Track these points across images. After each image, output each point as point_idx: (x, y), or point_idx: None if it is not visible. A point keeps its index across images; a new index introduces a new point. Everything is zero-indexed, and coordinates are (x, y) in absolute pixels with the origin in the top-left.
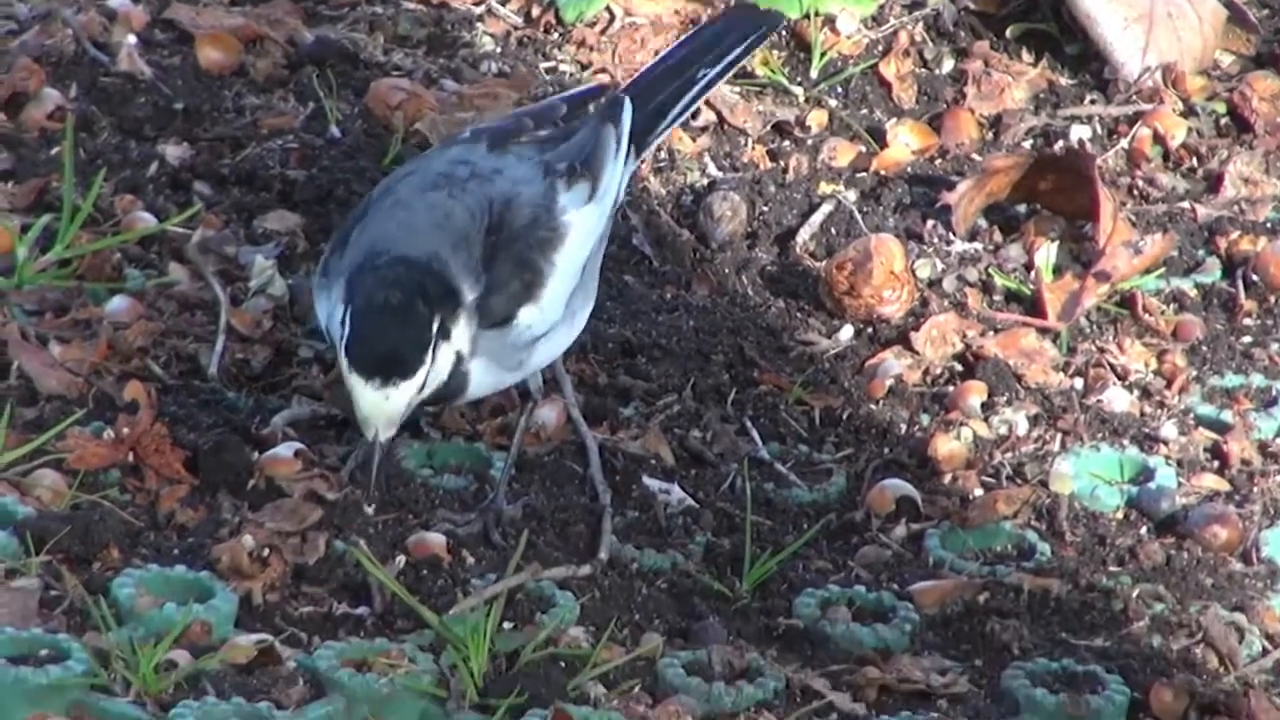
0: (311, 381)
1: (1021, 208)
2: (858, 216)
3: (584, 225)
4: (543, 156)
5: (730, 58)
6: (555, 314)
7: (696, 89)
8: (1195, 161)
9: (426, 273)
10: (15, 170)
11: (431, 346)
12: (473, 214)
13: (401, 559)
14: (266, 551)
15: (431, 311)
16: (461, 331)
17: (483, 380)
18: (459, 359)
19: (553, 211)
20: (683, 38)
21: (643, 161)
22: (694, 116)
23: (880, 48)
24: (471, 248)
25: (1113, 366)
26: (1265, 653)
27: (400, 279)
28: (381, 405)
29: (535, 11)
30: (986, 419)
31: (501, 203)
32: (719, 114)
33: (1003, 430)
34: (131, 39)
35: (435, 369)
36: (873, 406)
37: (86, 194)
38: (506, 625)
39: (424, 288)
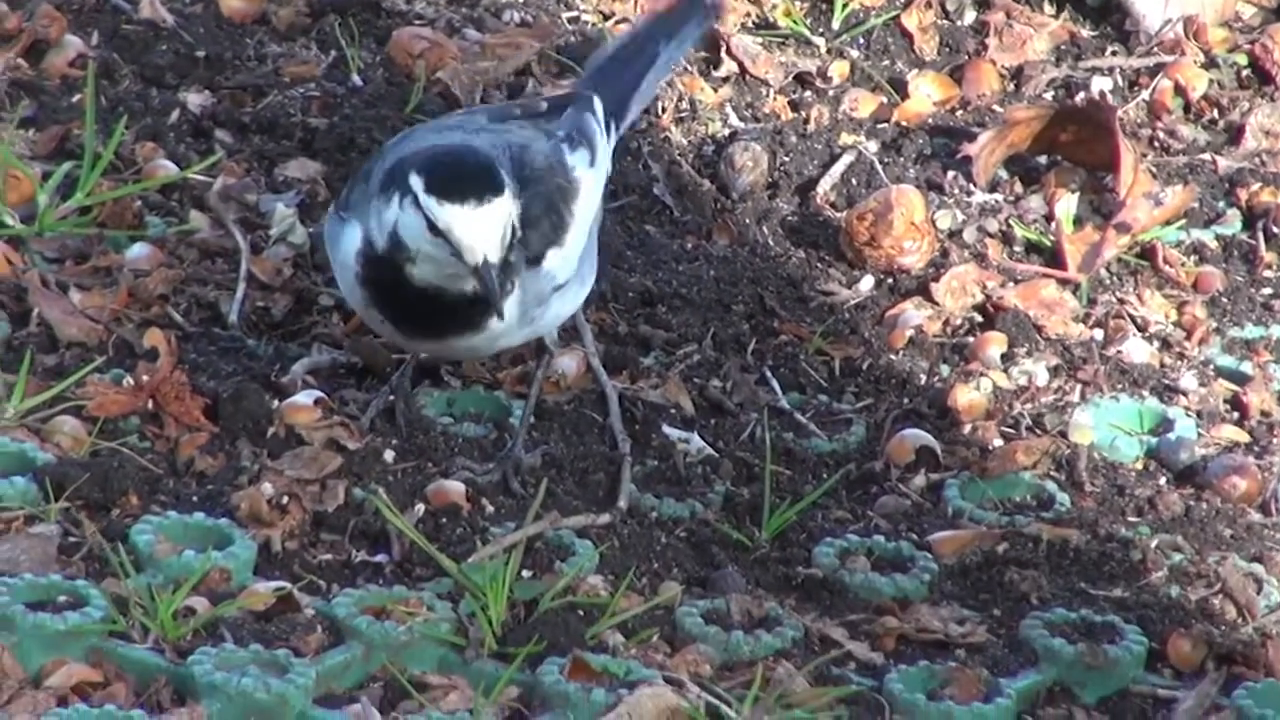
0: (332, 329)
1: (1042, 159)
2: (878, 167)
3: (590, 185)
4: (541, 127)
5: (683, 37)
6: (573, 267)
7: (659, 61)
8: (1216, 113)
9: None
10: (36, 117)
11: (510, 183)
12: (495, 147)
13: (420, 507)
14: (285, 499)
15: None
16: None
17: (511, 317)
18: (512, 235)
19: (566, 165)
20: (635, 24)
21: (620, 139)
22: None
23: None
24: (512, 160)
25: (1132, 318)
26: None
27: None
28: (482, 224)
29: None
30: (1006, 370)
31: (518, 148)
32: (740, 64)
33: (1022, 381)
34: None
35: (511, 209)
36: (892, 357)
37: (107, 142)
38: (525, 573)
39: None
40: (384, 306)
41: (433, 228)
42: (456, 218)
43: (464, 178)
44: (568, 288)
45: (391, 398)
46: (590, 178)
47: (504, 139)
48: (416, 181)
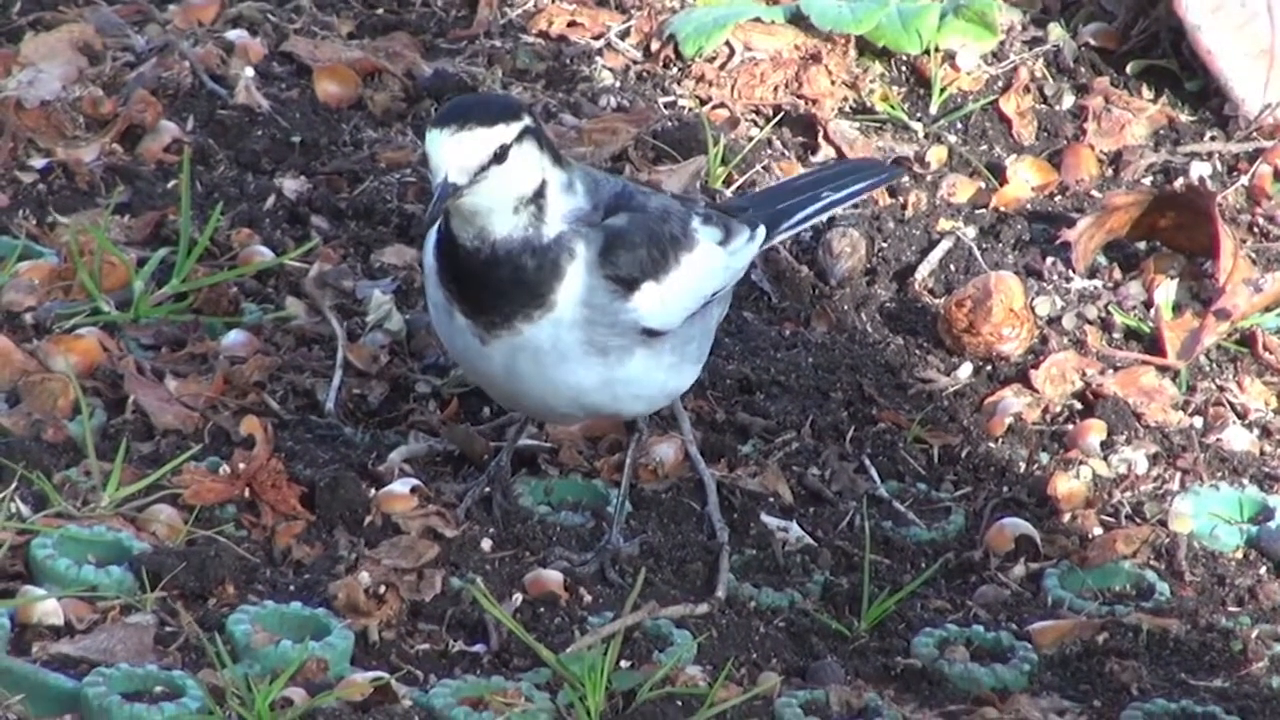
0: (428, 417)
1: (1141, 245)
2: (977, 253)
3: (712, 256)
4: (682, 199)
5: (852, 190)
6: (672, 319)
7: (819, 205)
8: None
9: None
10: (132, 203)
11: (516, 132)
12: (604, 178)
13: (518, 596)
14: (383, 588)
15: (525, 114)
16: (552, 181)
17: (566, 314)
18: (541, 191)
19: (687, 222)
20: (811, 169)
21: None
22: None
23: (1000, 83)
24: (594, 178)
25: (1232, 405)
26: None
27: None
28: (453, 147)
29: (654, 46)
30: (1106, 458)
31: (634, 190)
32: (838, 149)
33: (1122, 469)
34: (249, 71)
35: (514, 164)
36: (991, 444)
37: (203, 227)
38: (623, 663)
39: (534, 112)
40: (460, 294)
41: (423, 159)
42: (433, 141)
43: (459, 106)
44: (664, 353)
45: (489, 486)
46: (715, 251)
47: (622, 181)
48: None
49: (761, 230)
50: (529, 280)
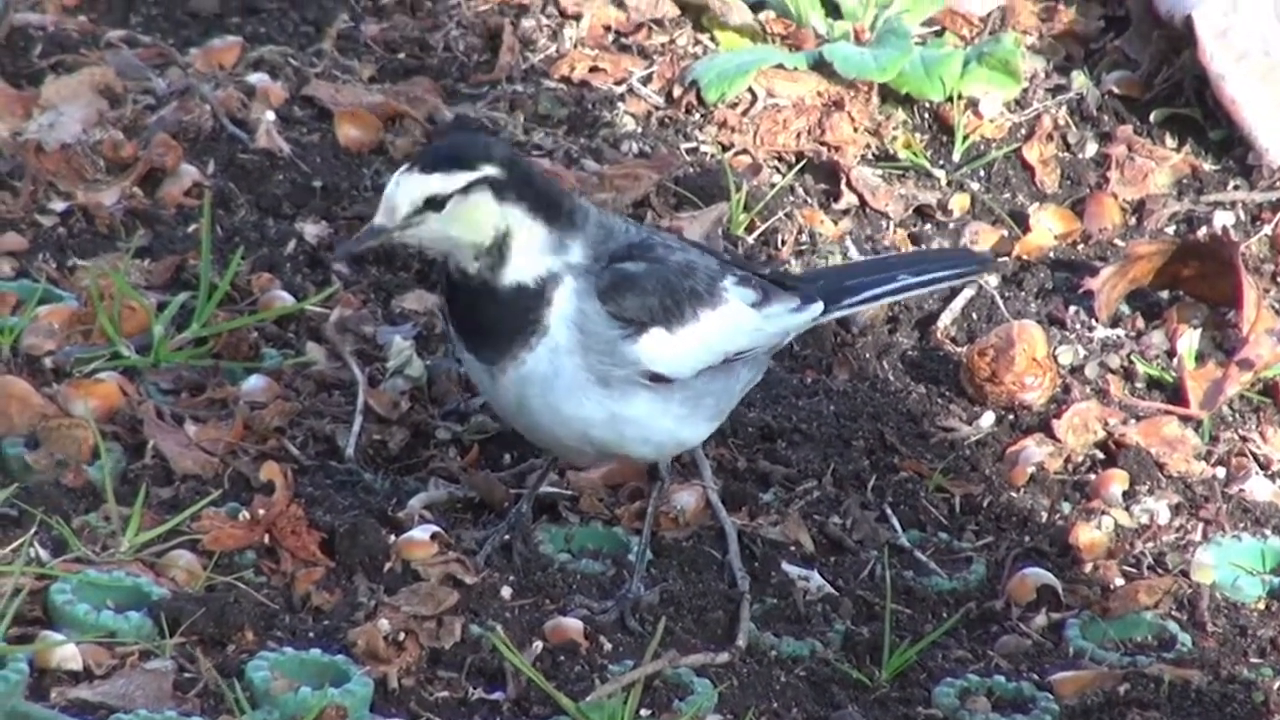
0: (449, 463)
1: (1164, 294)
2: (999, 302)
3: (741, 315)
4: (725, 261)
5: (933, 275)
6: (681, 368)
7: (891, 285)
8: None
9: (529, 168)
10: (152, 247)
11: (463, 182)
12: (625, 227)
13: (538, 644)
14: (402, 635)
15: (488, 166)
16: (525, 233)
17: (561, 338)
18: (505, 240)
19: (715, 280)
20: (896, 253)
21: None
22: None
23: (1023, 131)
24: (608, 230)
25: (1255, 455)
26: None
27: (498, 144)
28: (391, 189)
29: (677, 92)
30: (1128, 508)
31: (660, 243)
32: (860, 197)
33: (1144, 519)
34: (270, 115)
35: (466, 211)
36: (1013, 494)
37: (224, 272)
38: (644, 712)
39: (512, 163)
40: (458, 327)
41: None
42: (392, 179)
43: (430, 149)
44: (674, 401)
45: (509, 534)
46: (744, 312)
47: (648, 233)
48: None
49: (817, 305)
50: (514, 310)
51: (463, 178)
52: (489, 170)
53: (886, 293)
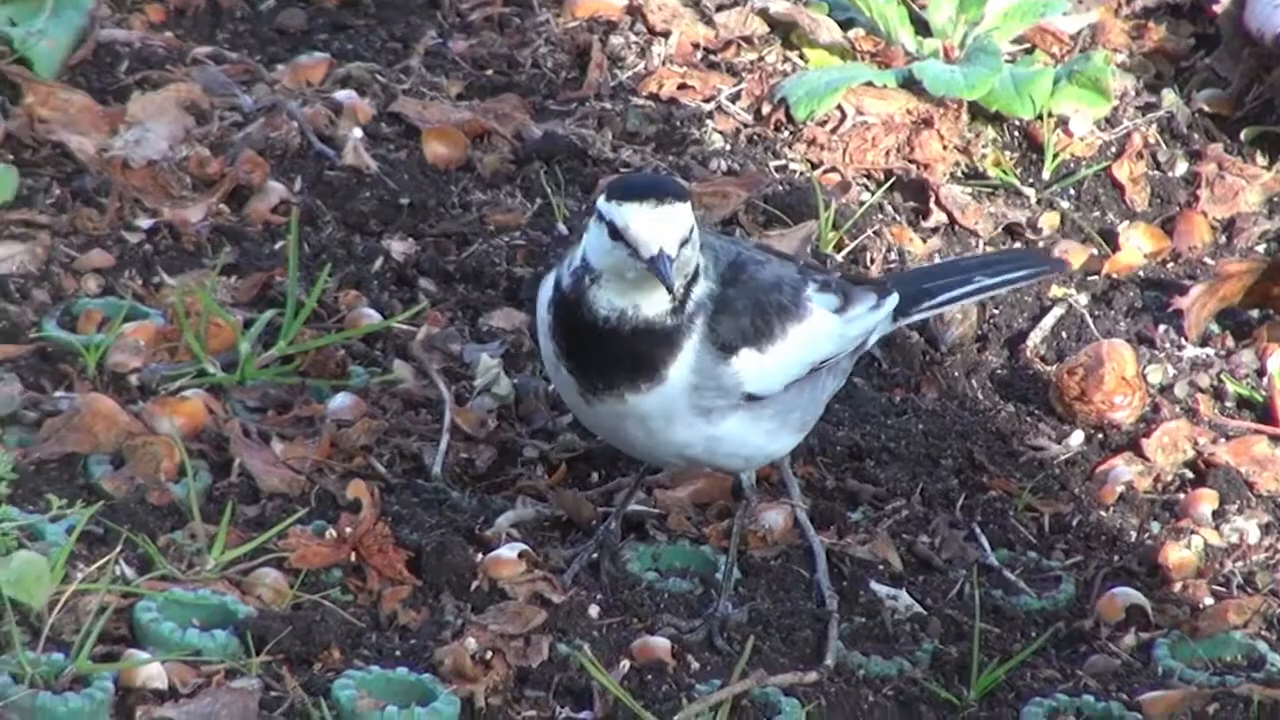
0: (536, 482)
1: (1254, 313)
2: (1089, 320)
3: (824, 324)
4: (802, 267)
5: (1007, 276)
6: (772, 384)
7: (967, 288)
8: None
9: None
10: (239, 264)
11: (691, 208)
12: (722, 244)
13: (625, 663)
14: (489, 654)
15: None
16: (701, 265)
17: (678, 384)
18: (697, 272)
19: (799, 291)
20: (971, 254)
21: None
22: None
23: (1113, 149)
24: (714, 252)
25: None
26: None
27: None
28: (662, 222)
29: (765, 109)
30: (1217, 527)
31: (749, 258)
32: (950, 215)
33: (1234, 539)
34: (357, 132)
35: (694, 245)
36: (1102, 513)
37: (310, 289)
38: None
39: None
40: (568, 353)
41: (613, 232)
42: (634, 214)
43: (643, 183)
44: (764, 417)
45: (597, 552)
46: (827, 319)
47: (738, 248)
48: (601, 197)
49: (893, 299)
50: (644, 356)
51: (692, 213)
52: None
53: (965, 295)
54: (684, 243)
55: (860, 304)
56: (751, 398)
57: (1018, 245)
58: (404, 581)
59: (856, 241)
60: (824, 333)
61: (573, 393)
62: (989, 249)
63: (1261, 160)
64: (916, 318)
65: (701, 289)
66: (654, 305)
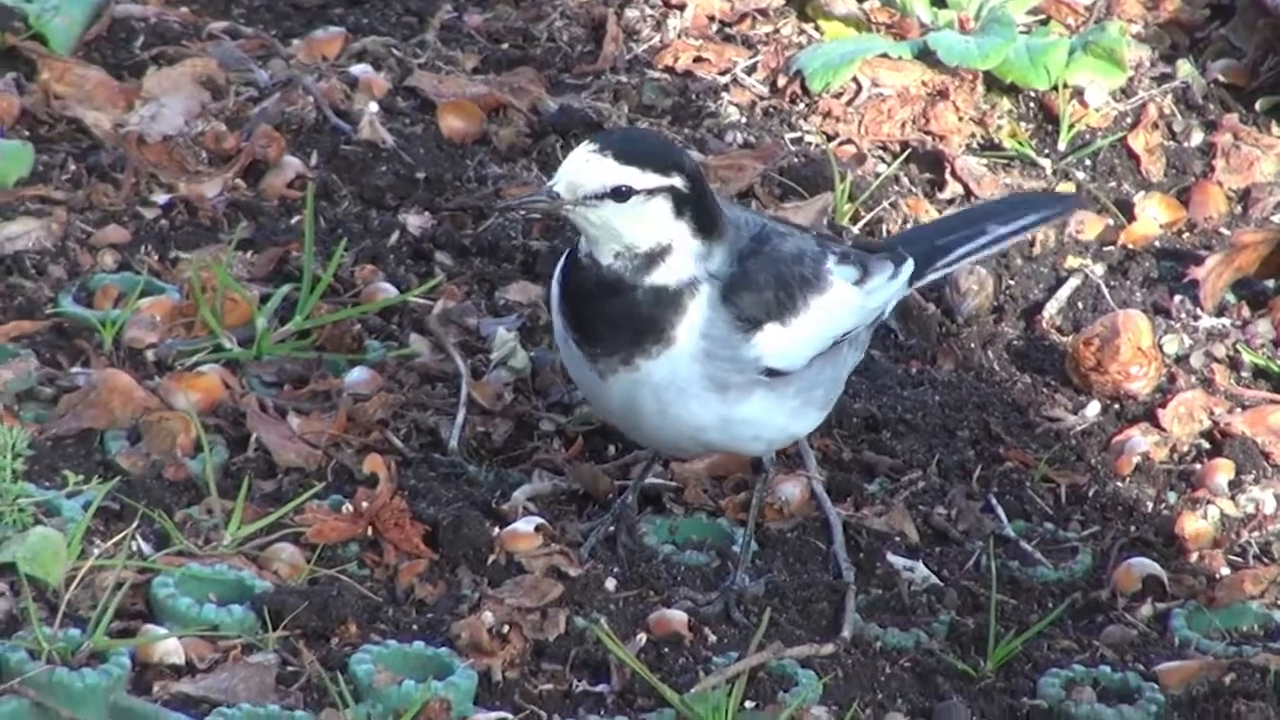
0: (553, 456)
1: (1270, 283)
2: (1105, 291)
3: (846, 296)
4: (820, 239)
5: (1022, 223)
6: (795, 359)
7: (982, 239)
8: None
9: (705, 183)
10: (255, 239)
11: (652, 184)
12: (746, 218)
13: (642, 636)
14: (506, 628)
15: (677, 175)
16: (683, 248)
17: (687, 349)
18: (661, 252)
19: (820, 263)
20: (980, 202)
21: (915, 289)
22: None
23: (1129, 120)
24: (737, 228)
25: None
26: None
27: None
28: (576, 163)
29: (781, 81)
30: (1234, 497)
31: (773, 230)
32: (965, 186)
33: (1250, 509)
34: (373, 107)
35: (643, 213)
36: (1119, 484)
37: (327, 264)
38: (748, 704)
39: (697, 177)
40: (569, 316)
41: None
42: (569, 154)
43: (620, 132)
44: (787, 395)
45: (613, 525)
46: (849, 291)
47: (761, 220)
48: None
49: (909, 265)
50: (643, 315)
51: (654, 180)
52: (677, 181)
53: (980, 247)
54: (594, 197)
55: (879, 274)
56: (773, 373)
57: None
58: (421, 556)
59: (872, 213)
60: (846, 305)
61: (582, 367)
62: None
63: (1277, 130)
64: (932, 278)
65: (690, 268)
66: (602, 253)
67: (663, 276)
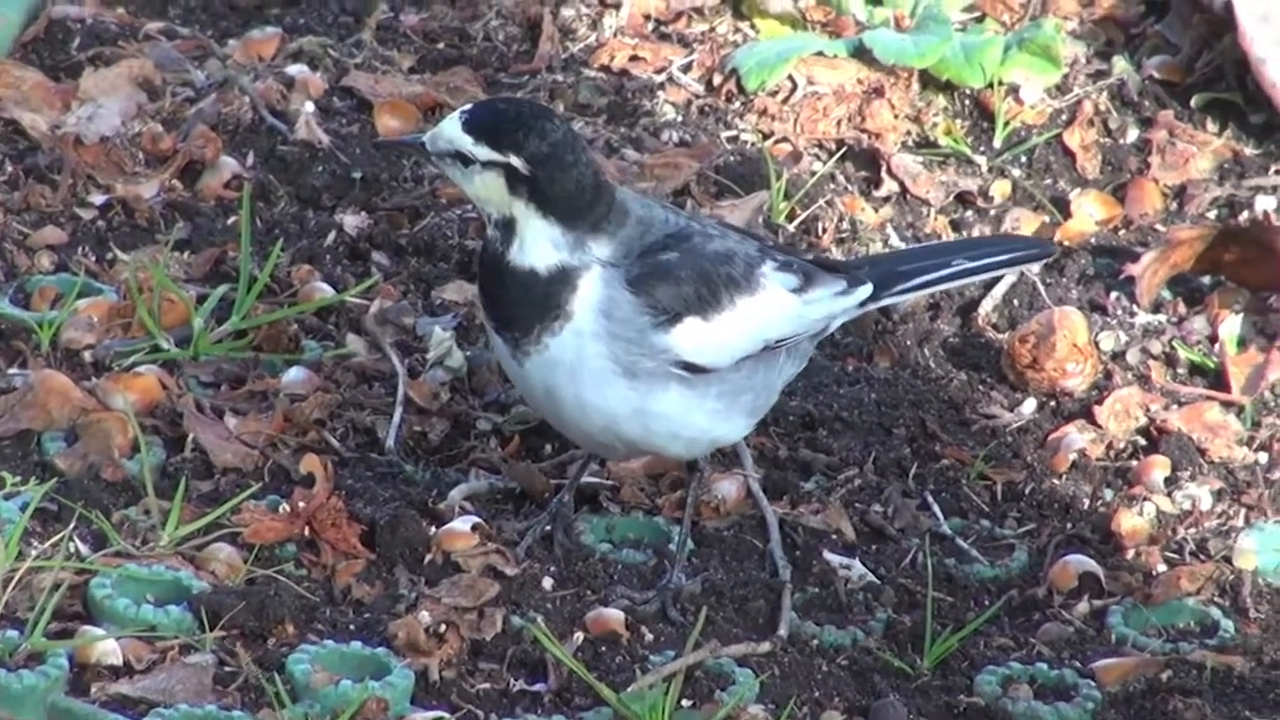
0: (490, 454)
1: (1206, 279)
2: (1041, 288)
3: (780, 301)
4: (764, 246)
5: (990, 260)
6: (718, 358)
7: (947, 271)
8: None
9: (558, 174)
10: (192, 239)
11: (486, 157)
12: (665, 217)
13: (580, 635)
14: (443, 627)
15: (515, 156)
16: (534, 228)
17: (586, 325)
18: (510, 224)
19: (753, 266)
20: (951, 239)
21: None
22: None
23: (1064, 117)
24: (647, 225)
25: None
26: None
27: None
28: (445, 122)
29: (717, 80)
30: (1170, 494)
31: (697, 231)
32: (901, 184)
33: (1186, 505)
34: (310, 107)
35: (484, 183)
36: (1055, 481)
37: (263, 264)
38: (685, 703)
39: (542, 162)
40: (481, 296)
41: None
42: (456, 112)
43: (488, 103)
44: (708, 395)
45: (550, 524)
46: (784, 298)
47: (687, 221)
48: None
49: (866, 288)
50: (539, 292)
51: (486, 154)
52: (513, 161)
53: (942, 278)
54: (444, 156)
55: (823, 287)
56: (693, 369)
57: (985, 232)
58: (358, 555)
59: (809, 211)
60: (779, 310)
61: (504, 354)
62: (941, 218)
63: (1212, 127)
64: (888, 301)
65: (555, 253)
66: (485, 221)
67: (528, 257)
